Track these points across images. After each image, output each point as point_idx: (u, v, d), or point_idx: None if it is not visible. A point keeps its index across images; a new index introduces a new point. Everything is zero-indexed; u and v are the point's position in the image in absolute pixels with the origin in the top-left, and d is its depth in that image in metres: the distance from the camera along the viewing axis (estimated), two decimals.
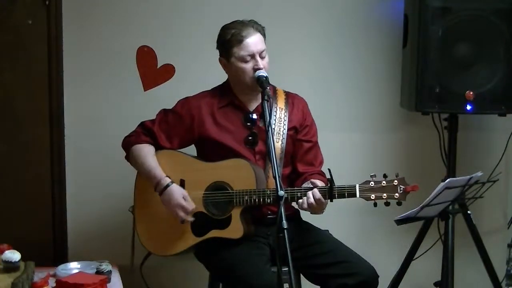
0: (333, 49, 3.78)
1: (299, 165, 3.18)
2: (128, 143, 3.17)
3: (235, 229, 3.00)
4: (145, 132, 3.16)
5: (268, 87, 2.93)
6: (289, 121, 3.15)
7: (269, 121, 2.81)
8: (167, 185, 3.03)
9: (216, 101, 3.14)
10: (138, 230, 3.18)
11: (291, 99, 3.21)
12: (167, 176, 3.05)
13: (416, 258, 3.59)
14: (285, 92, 3.22)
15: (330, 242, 3.09)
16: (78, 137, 3.65)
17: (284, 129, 3.12)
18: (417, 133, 3.85)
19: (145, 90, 3.68)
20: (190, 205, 3.02)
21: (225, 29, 3.08)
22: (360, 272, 2.94)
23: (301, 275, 3.13)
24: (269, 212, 3.11)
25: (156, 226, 3.13)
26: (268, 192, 2.97)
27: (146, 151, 3.12)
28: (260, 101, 3.06)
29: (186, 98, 3.18)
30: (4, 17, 3.52)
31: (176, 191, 3.03)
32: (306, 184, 3.01)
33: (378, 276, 2.99)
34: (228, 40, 3.03)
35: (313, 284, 3.12)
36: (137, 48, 3.64)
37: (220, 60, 3.12)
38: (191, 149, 3.23)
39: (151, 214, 3.14)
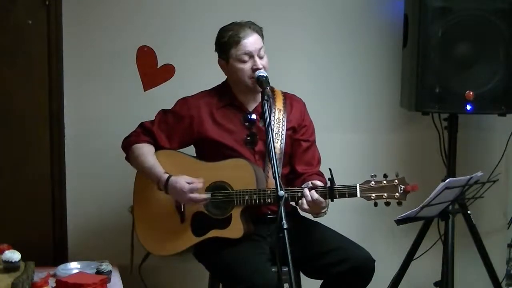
0: (333, 49, 3.78)
1: (297, 165, 3.18)
2: (128, 143, 3.17)
3: (235, 229, 3.00)
4: (145, 132, 3.16)
5: (267, 87, 2.93)
6: (287, 122, 3.15)
7: (269, 121, 2.81)
8: (167, 180, 3.02)
9: (215, 101, 3.15)
10: (138, 230, 3.17)
11: (289, 100, 3.21)
12: (165, 172, 3.05)
13: (416, 258, 3.59)
14: (283, 93, 3.22)
15: (321, 231, 3.10)
16: (78, 137, 3.65)
17: (283, 129, 3.12)
18: (417, 133, 3.85)
19: (145, 90, 3.68)
20: (198, 184, 2.99)
21: (222, 31, 3.09)
22: (352, 257, 2.94)
23: (301, 274, 3.14)
24: (269, 211, 3.11)
25: (156, 226, 3.13)
26: (269, 192, 2.97)
27: (146, 151, 3.12)
28: (259, 101, 3.09)
29: (185, 98, 3.18)
30: (4, 17, 3.52)
31: (178, 180, 3.00)
32: (306, 185, 3.01)
33: (374, 260, 2.98)
34: (226, 42, 3.04)
35: (312, 285, 3.13)
36: (137, 48, 3.64)
37: (219, 62, 3.12)
38: (191, 150, 3.23)
39: (150, 214, 3.14)
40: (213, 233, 3.03)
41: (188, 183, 2.99)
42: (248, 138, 3.11)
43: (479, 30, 3.35)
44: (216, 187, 3.04)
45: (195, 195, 2.99)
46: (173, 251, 3.10)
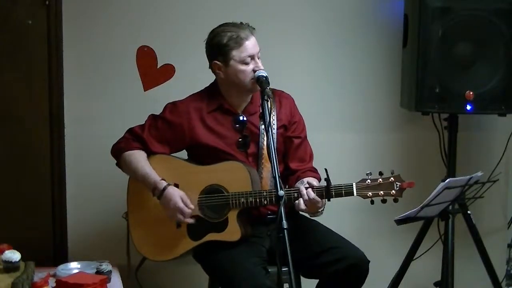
0: (333, 49, 3.78)
1: (291, 162, 3.16)
2: (118, 151, 3.14)
3: (232, 232, 2.99)
4: (135, 138, 3.13)
5: (267, 87, 2.92)
6: (278, 120, 3.13)
7: (269, 121, 2.81)
8: (164, 188, 3.01)
9: (205, 105, 3.11)
10: (133, 236, 3.15)
11: (278, 97, 3.18)
12: (162, 179, 3.03)
13: (416, 258, 3.59)
14: (271, 90, 3.15)
15: (318, 230, 3.10)
16: (78, 137, 3.65)
17: (274, 128, 3.10)
18: (417, 133, 3.85)
19: (145, 90, 3.68)
20: (189, 207, 3.00)
21: (218, 33, 3.03)
22: (349, 256, 2.95)
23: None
24: (269, 212, 3.10)
25: (152, 231, 3.11)
26: (265, 193, 2.96)
27: (138, 157, 3.09)
28: (249, 101, 3.11)
29: (174, 103, 3.15)
30: (4, 17, 3.52)
31: (174, 193, 3.00)
32: (300, 184, 3.00)
33: (368, 261, 2.98)
34: (225, 44, 3.00)
35: (312, 285, 3.13)
36: (137, 48, 3.64)
37: (214, 64, 3.06)
38: (183, 153, 3.22)
39: (145, 219, 3.12)
40: (210, 236, 3.02)
41: (182, 200, 2.99)
42: (240, 140, 3.10)
43: (479, 30, 3.35)
44: (211, 190, 3.03)
45: (181, 217, 2.99)
46: (171, 256, 3.09)
